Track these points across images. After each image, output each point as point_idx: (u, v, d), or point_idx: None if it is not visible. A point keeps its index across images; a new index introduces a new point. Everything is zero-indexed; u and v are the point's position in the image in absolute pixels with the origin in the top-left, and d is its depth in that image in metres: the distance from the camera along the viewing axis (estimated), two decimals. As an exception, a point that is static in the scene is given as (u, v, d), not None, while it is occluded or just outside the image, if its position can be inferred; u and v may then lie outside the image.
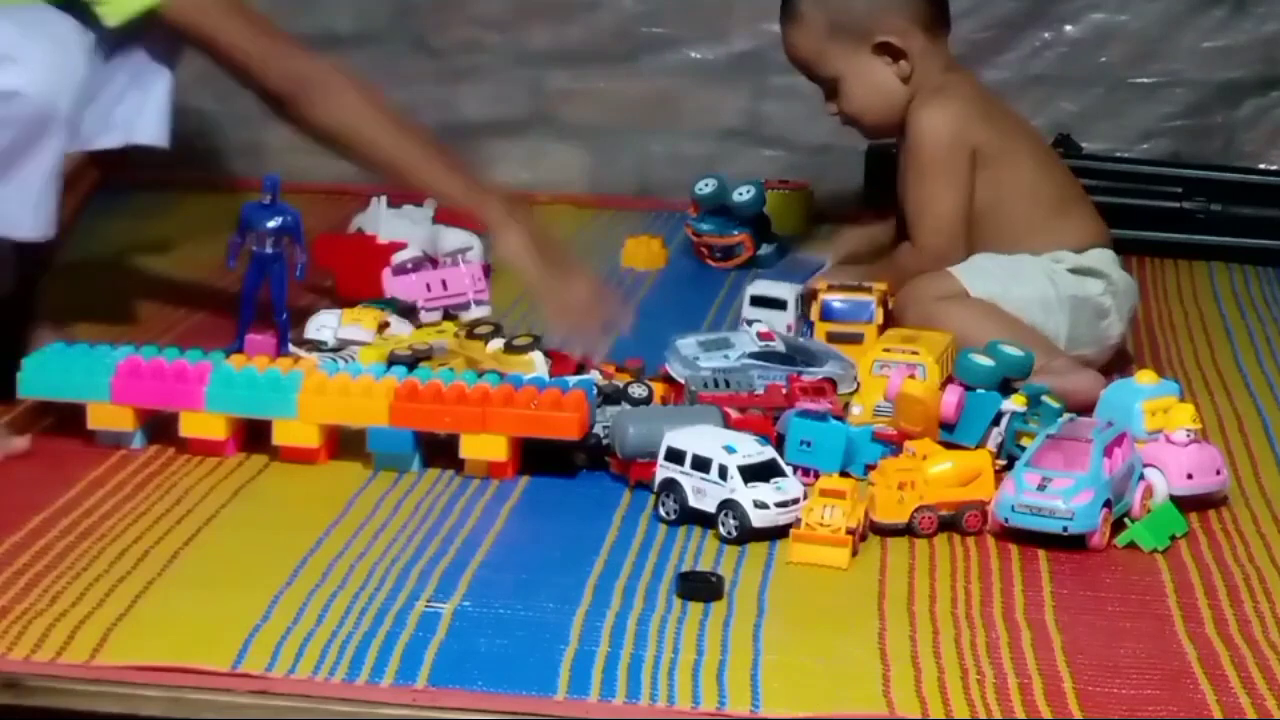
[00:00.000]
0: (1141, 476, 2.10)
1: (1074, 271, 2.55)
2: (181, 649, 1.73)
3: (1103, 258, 2.57)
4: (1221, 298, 3.10)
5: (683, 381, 2.34)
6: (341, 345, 2.44)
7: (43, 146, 2.28)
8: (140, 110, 2.46)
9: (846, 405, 2.32)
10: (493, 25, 3.70)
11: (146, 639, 1.75)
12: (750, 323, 2.54)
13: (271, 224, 2.43)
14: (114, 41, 2.42)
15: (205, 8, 2.41)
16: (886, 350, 2.35)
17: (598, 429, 2.21)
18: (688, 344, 2.40)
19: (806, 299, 2.64)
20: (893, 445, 2.18)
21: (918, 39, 2.58)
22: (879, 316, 2.56)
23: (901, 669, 1.73)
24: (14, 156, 2.25)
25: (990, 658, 1.77)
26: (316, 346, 2.45)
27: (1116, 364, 2.57)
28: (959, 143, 2.55)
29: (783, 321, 2.60)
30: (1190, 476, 2.12)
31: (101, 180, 2.54)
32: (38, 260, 2.46)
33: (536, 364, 2.37)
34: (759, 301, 2.64)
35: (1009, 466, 2.11)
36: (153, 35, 2.43)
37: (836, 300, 2.58)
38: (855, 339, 2.52)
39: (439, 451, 2.21)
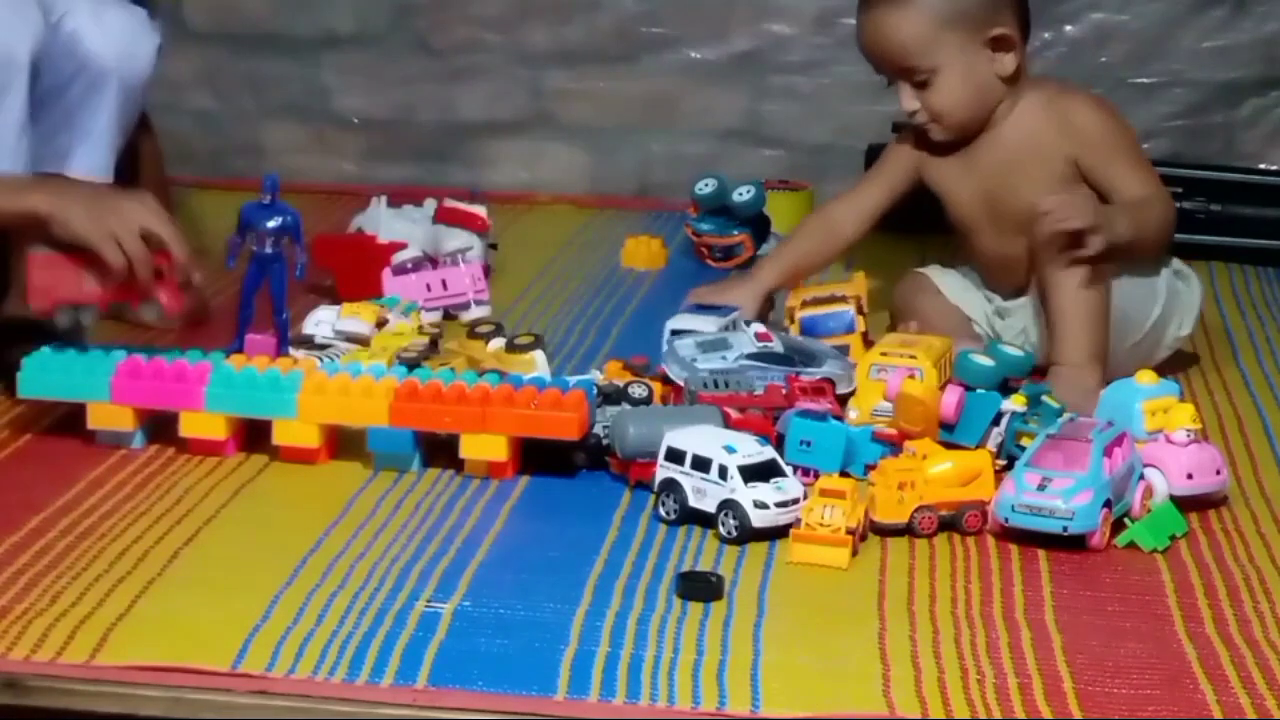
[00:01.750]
0: (1141, 476, 2.10)
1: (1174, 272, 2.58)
2: (181, 649, 1.73)
3: (1179, 261, 2.59)
4: (1221, 298, 3.10)
5: (681, 383, 2.34)
6: (329, 343, 2.44)
7: (10, 96, 2.34)
8: (81, 141, 2.49)
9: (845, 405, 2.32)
10: (493, 25, 3.70)
11: (146, 639, 1.75)
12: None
13: (271, 224, 2.43)
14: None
15: None
16: (884, 354, 2.34)
17: (598, 429, 2.21)
18: (686, 345, 2.40)
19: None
20: (893, 445, 2.18)
21: (1019, 34, 2.53)
22: (860, 324, 2.56)
23: (901, 669, 1.73)
24: None
25: (990, 658, 1.77)
26: (307, 341, 2.45)
27: (1173, 363, 2.58)
28: (1125, 118, 2.57)
29: None
30: (1190, 476, 2.12)
31: None
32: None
33: (537, 363, 2.38)
34: (680, 336, 2.50)
35: (1009, 466, 2.11)
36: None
37: (815, 314, 2.57)
38: (841, 351, 2.51)
39: (439, 451, 2.21)
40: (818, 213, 2.78)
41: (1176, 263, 2.59)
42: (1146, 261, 2.53)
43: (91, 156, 2.50)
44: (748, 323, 2.48)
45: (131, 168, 2.59)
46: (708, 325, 2.51)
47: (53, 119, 2.46)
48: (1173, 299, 2.56)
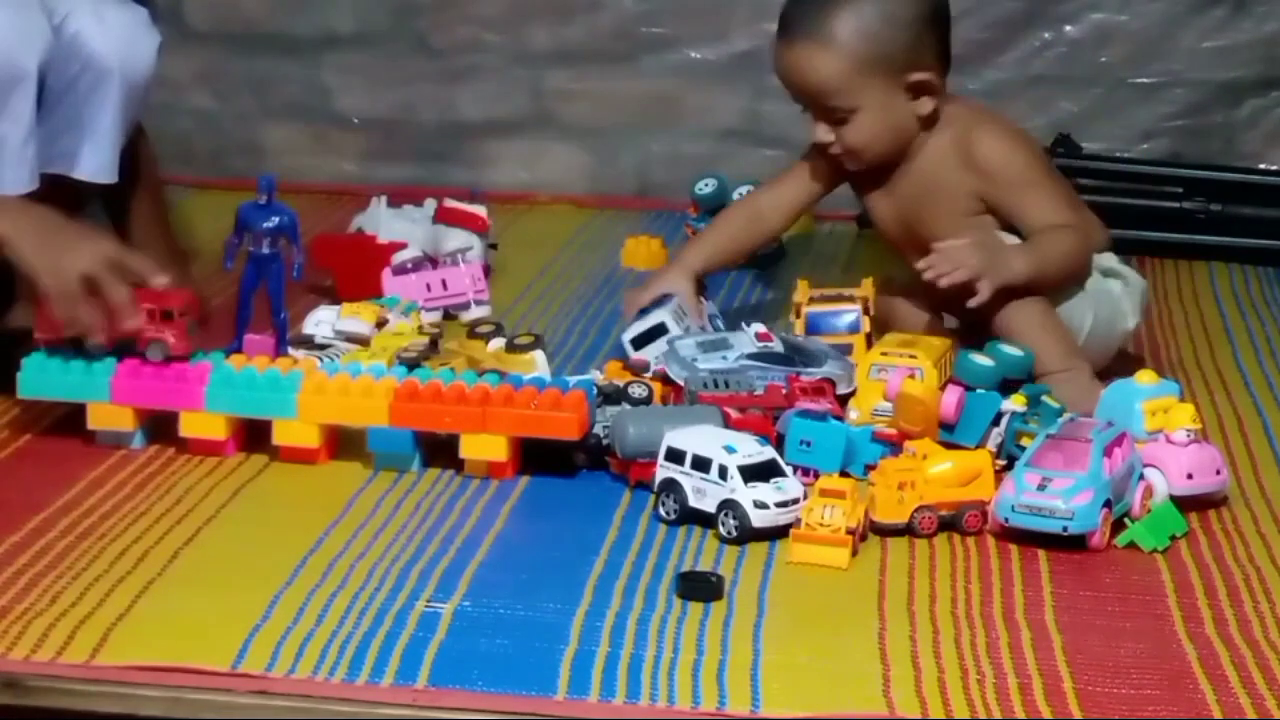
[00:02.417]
0: (1141, 476, 2.10)
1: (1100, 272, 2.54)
2: (181, 649, 1.73)
3: (1113, 259, 2.56)
4: (1221, 298, 3.10)
5: (681, 383, 2.33)
6: (329, 343, 2.44)
7: (17, 103, 2.35)
8: (84, 142, 2.49)
9: (845, 405, 2.32)
10: (493, 25, 3.70)
11: (146, 639, 1.75)
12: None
13: (268, 224, 2.43)
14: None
15: None
16: (884, 354, 2.34)
17: (598, 429, 2.21)
18: (686, 345, 2.40)
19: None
20: (893, 445, 2.18)
21: (939, 77, 2.51)
22: (865, 325, 2.55)
23: (901, 669, 1.73)
24: None
25: (990, 658, 1.77)
26: (307, 341, 2.45)
27: (1118, 363, 2.57)
28: (1036, 147, 2.57)
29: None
30: (1190, 476, 2.11)
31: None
32: None
33: (537, 363, 2.37)
34: (642, 341, 2.49)
35: (1009, 466, 2.11)
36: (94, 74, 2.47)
37: (822, 311, 2.56)
38: (844, 351, 2.50)
39: (439, 451, 2.21)
40: (745, 201, 2.77)
41: (1106, 261, 2.54)
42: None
43: (97, 157, 2.50)
44: (747, 323, 2.48)
45: (127, 169, 2.59)
46: (660, 317, 2.49)
47: (57, 120, 2.46)
48: (1104, 302, 2.52)
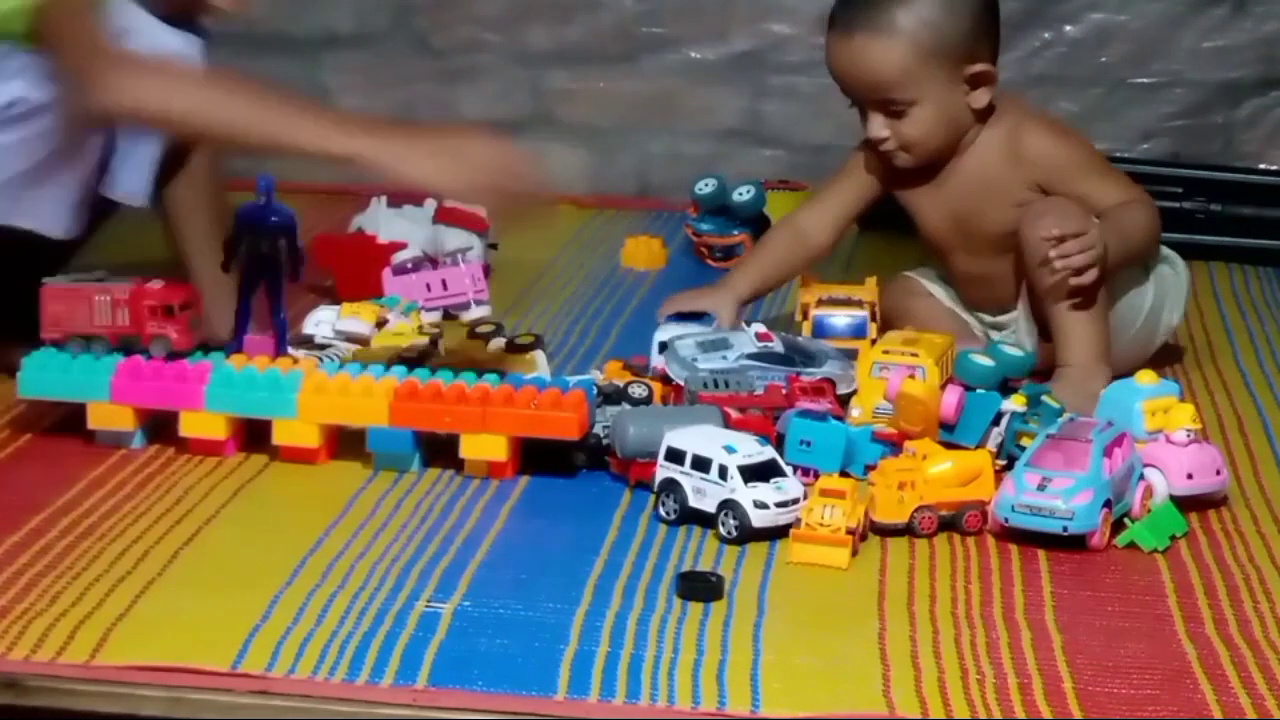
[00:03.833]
0: (1141, 476, 2.10)
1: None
2: (181, 649, 1.73)
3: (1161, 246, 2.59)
4: (1221, 298, 3.10)
5: (681, 383, 2.33)
6: (328, 343, 2.44)
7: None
8: (124, 164, 2.50)
9: (846, 405, 2.32)
10: (493, 25, 3.70)
11: (146, 639, 1.75)
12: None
13: (267, 225, 2.43)
14: None
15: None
16: (886, 352, 2.34)
17: (598, 429, 2.21)
18: (686, 345, 2.39)
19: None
20: (893, 445, 2.18)
21: (995, 68, 2.49)
22: (872, 331, 2.54)
23: (901, 669, 1.73)
24: (45, 167, 2.36)
25: (990, 658, 1.77)
26: (307, 341, 2.45)
27: (1163, 358, 2.58)
28: (1084, 137, 2.57)
29: None
30: (1190, 476, 2.12)
31: None
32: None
33: (537, 363, 2.38)
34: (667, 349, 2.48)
35: (1009, 466, 2.11)
36: None
37: (830, 315, 2.56)
38: (852, 355, 2.49)
39: (439, 451, 2.21)
40: (785, 223, 2.71)
41: (1162, 249, 2.58)
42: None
43: (134, 179, 2.51)
44: (747, 322, 2.48)
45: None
46: (697, 329, 2.49)
47: (97, 139, 2.47)
48: (1161, 285, 2.56)
